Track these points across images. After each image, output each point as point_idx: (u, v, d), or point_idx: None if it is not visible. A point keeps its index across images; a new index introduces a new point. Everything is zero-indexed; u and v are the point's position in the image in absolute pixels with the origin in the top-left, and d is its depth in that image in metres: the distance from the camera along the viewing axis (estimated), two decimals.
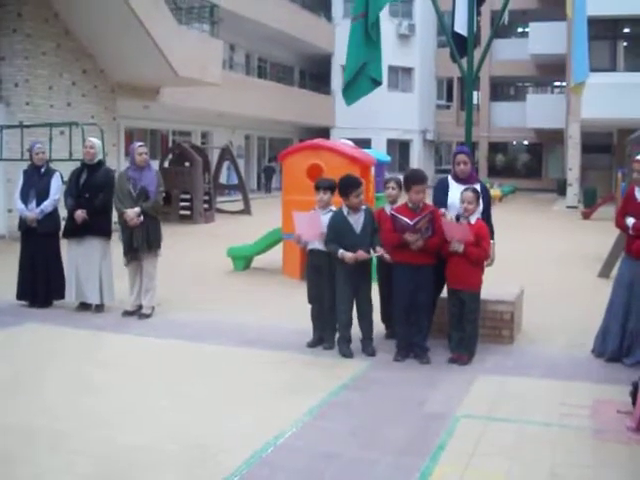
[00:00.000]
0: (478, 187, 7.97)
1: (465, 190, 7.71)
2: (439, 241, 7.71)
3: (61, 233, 10.35)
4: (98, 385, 7.00)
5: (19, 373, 7.34)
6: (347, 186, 7.94)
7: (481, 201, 7.86)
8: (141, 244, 9.66)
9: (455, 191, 7.97)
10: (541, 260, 15.79)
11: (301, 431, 5.81)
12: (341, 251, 7.79)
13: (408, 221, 7.51)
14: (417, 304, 7.76)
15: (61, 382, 7.06)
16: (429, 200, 7.96)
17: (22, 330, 9.20)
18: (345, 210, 7.96)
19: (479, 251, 7.61)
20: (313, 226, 8.08)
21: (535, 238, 20.60)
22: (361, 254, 7.73)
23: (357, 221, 7.90)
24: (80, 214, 9.85)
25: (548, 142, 50.14)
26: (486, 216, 7.99)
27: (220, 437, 5.66)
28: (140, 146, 9.94)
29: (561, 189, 38.34)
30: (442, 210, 7.89)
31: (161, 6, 20.27)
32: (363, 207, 8.03)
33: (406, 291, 7.74)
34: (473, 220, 7.66)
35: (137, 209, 9.62)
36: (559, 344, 8.65)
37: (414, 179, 7.77)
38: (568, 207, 32.47)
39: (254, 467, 5.08)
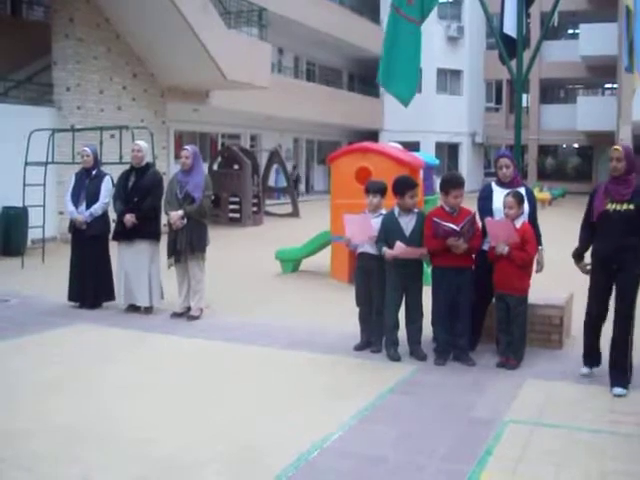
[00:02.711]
0: (522, 190, 7.91)
1: (506, 195, 7.66)
2: (479, 242, 7.70)
3: (111, 236, 10.46)
4: (145, 386, 7.06)
5: (68, 373, 7.43)
6: (403, 185, 7.92)
7: (527, 205, 7.81)
8: (184, 247, 9.73)
9: (499, 196, 7.89)
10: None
11: (348, 434, 5.80)
12: (384, 249, 7.79)
13: (454, 227, 7.47)
14: (458, 307, 7.75)
15: (109, 382, 7.13)
16: (465, 204, 7.92)
17: (72, 331, 9.32)
18: (396, 211, 7.95)
19: (524, 255, 7.55)
20: (363, 229, 8.06)
21: None
22: (399, 246, 7.71)
23: (408, 223, 7.88)
24: (129, 219, 9.94)
25: (599, 145, 49.48)
26: (532, 221, 7.93)
27: (266, 439, 5.68)
28: (182, 150, 10.01)
29: None
30: (488, 219, 7.84)
31: (210, 10, 20.41)
32: (416, 210, 8.01)
33: (447, 294, 7.73)
34: (518, 224, 7.59)
35: (180, 212, 9.69)
36: (608, 350, 8.53)
37: (453, 184, 7.75)
38: None
39: (300, 470, 5.09)
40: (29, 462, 5.22)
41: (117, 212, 10.14)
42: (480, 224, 7.86)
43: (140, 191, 10.06)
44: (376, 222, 8.04)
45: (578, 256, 7.36)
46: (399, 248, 7.70)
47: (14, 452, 5.38)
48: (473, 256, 7.87)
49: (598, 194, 7.02)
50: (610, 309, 7.15)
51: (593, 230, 7.08)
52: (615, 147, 6.95)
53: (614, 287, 7.01)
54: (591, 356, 7.40)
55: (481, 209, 8.05)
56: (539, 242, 8.06)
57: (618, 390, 6.85)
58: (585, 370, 7.40)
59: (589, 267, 7.21)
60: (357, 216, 8.29)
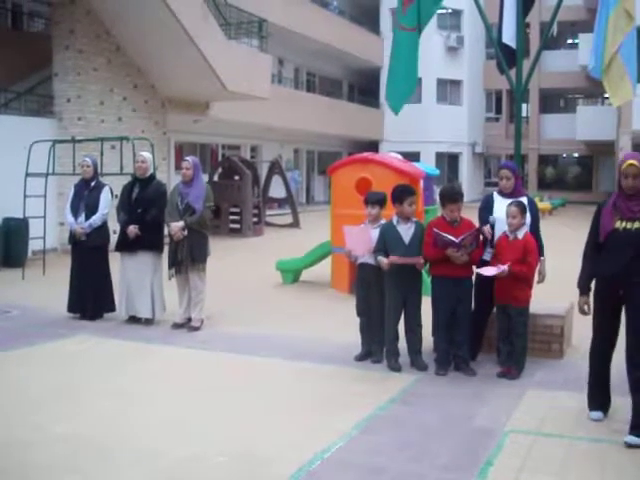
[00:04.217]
0: (524, 200, 7.91)
1: (509, 205, 7.66)
2: (480, 254, 7.74)
3: (113, 247, 10.46)
4: (146, 396, 7.06)
5: (69, 384, 7.43)
6: (402, 192, 7.95)
7: (528, 215, 7.81)
8: (185, 257, 9.73)
9: (500, 205, 7.92)
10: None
11: (348, 445, 5.80)
12: (379, 257, 7.81)
13: (453, 239, 7.48)
14: (457, 317, 7.76)
15: (109, 393, 7.13)
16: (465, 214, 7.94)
17: (73, 342, 9.31)
18: (395, 219, 7.97)
19: (525, 267, 7.53)
20: (363, 240, 8.07)
21: None
22: (393, 259, 7.73)
23: (407, 231, 7.89)
24: (132, 230, 9.95)
25: (599, 154, 49.53)
26: (534, 231, 7.94)
27: (267, 450, 5.68)
28: (183, 161, 10.02)
29: None
30: (486, 227, 7.87)
31: (211, 22, 20.47)
32: (414, 219, 8.03)
33: (446, 305, 7.74)
34: (521, 234, 7.60)
35: (181, 223, 9.69)
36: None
37: (449, 198, 7.78)
38: None
39: None
40: (29, 473, 5.22)
41: (121, 223, 10.15)
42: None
43: (144, 202, 10.07)
44: (376, 233, 8.05)
45: (586, 287, 6.40)
46: (393, 260, 7.73)
47: (14, 463, 5.38)
48: (473, 266, 7.89)
49: (605, 212, 6.23)
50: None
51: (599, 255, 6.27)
52: (630, 162, 6.03)
53: (623, 316, 6.22)
54: (600, 398, 6.50)
55: (481, 219, 8.08)
56: (541, 253, 8.07)
57: (634, 440, 5.87)
58: (596, 415, 6.42)
59: (587, 307, 6.39)
60: (356, 228, 8.30)
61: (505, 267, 7.46)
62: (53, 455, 5.55)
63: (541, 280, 8.17)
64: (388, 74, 10.28)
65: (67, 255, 11.59)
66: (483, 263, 7.85)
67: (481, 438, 5.96)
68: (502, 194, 8.12)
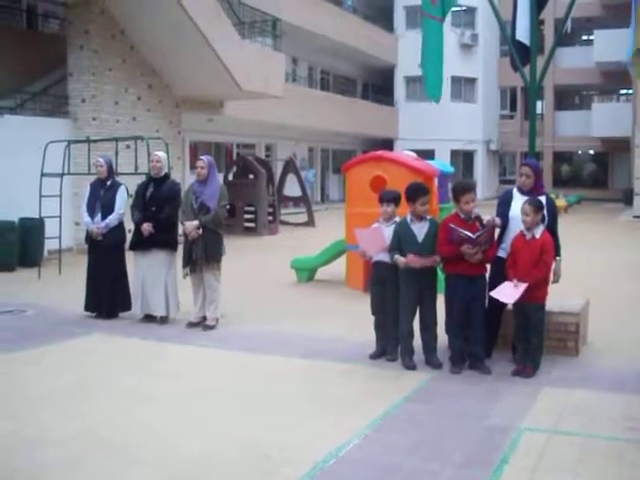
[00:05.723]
0: (543, 199, 7.86)
1: (524, 203, 7.62)
2: (495, 252, 7.71)
3: (127, 246, 10.50)
4: (161, 395, 7.08)
5: (83, 382, 7.45)
6: (415, 192, 7.93)
7: (546, 214, 7.75)
8: (200, 256, 9.75)
9: (517, 203, 7.84)
10: (607, 271, 15.55)
11: (363, 443, 5.80)
12: (396, 256, 7.80)
13: (470, 235, 7.47)
14: (472, 315, 7.74)
15: (124, 391, 7.16)
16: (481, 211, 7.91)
17: (89, 340, 9.35)
18: (409, 218, 7.95)
19: (537, 271, 7.48)
20: (376, 241, 8.05)
21: (601, 249, 20.28)
22: (411, 258, 7.71)
23: (420, 230, 7.88)
24: (146, 227, 9.98)
25: (614, 151, 49.35)
26: (552, 231, 7.87)
27: (282, 448, 5.68)
28: (198, 160, 10.05)
29: (628, 199, 37.71)
30: (497, 220, 7.85)
31: (224, 21, 20.50)
32: (428, 217, 8.02)
33: (460, 302, 7.72)
34: (538, 233, 7.56)
35: (195, 222, 9.71)
36: (625, 357, 8.50)
37: (460, 189, 7.76)
38: (635, 217, 31.90)
39: (316, 478, 5.09)
40: (41, 471, 5.23)
41: (135, 221, 10.18)
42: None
43: (158, 201, 10.10)
44: (390, 231, 8.05)
45: None
46: (412, 259, 7.71)
47: (26, 461, 5.41)
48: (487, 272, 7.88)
49: None
50: None
51: None
52: None
53: None
54: None
55: (498, 214, 8.04)
56: (557, 253, 8.02)
57: None
58: None
59: None
60: (368, 229, 8.29)
61: (524, 286, 7.42)
62: (66, 454, 5.56)
63: (556, 280, 8.13)
64: (423, 65, 10.25)
65: (83, 255, 11.64)
66: (498, 260, 7.83)
67: (496, 436, 5.95)
68: (521, 191, 8.07)
